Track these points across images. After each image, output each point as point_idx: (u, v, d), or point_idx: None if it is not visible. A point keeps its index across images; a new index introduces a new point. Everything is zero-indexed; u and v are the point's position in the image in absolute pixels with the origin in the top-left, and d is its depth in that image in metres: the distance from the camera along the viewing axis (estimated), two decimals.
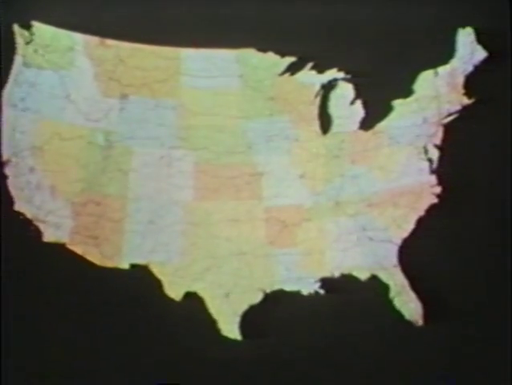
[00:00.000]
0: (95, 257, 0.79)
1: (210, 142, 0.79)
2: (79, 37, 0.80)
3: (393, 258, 0.76)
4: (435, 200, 0.76)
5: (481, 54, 0.76)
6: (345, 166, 0.77)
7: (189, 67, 0.78)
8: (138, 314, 0.79)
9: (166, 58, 0.78)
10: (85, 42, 0.80)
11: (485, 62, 0.76)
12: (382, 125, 0.77)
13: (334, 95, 0.78)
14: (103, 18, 0.80)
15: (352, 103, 0.77)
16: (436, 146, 0.76)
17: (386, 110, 0.77)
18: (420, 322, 0.76)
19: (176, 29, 0.79)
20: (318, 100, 0.78)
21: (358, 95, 0.77)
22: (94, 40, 0.80)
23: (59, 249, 0.79)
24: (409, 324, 0.76)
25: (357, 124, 0.77)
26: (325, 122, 0.78)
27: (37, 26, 0.80)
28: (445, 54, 0.76)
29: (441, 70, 0.76)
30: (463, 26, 0.76)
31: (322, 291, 0.77)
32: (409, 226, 0.76)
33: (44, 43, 0.79)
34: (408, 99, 0.76)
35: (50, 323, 0.79)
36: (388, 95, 0.76)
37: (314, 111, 0.78)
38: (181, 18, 0.79)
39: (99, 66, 0.79)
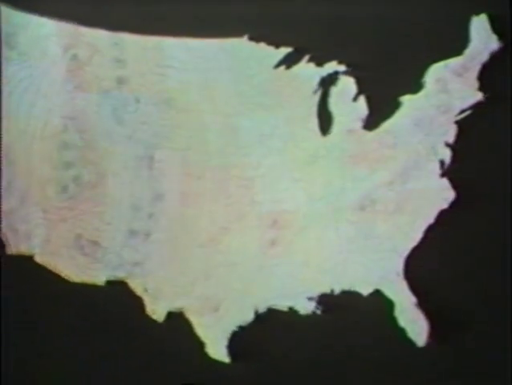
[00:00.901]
0: (68, 270, 0.77)
1: (197, 142, 0.76)
2: (51, 24, 0.76)
3: (399, 271, 0.73)
4: (446, 206, 0.72)
5: (496, 44, 0.72)
6: (346, 168, 0.74)
7: (174, 59, 0.76)
8: (115, 337, 0.78)
9: (148, 49, 0.76)
10: (58, 29, 0.76)
11: (501, 53, 0.72)
12: (387, 123, 0.74)
13: (334, 91, 0.75)
14: (78, 2, 0.77)
15: (354, 99, 0.74)
16: (448, 145, 0.73)
17: (392, 106, 0.74)
18: (427, 342, 0.72)
19: (160, 16, 0.77)
20: (316, 96, 0.75)
21: (361, 91, 0.74)
22: (68, 28, 0.76)
23: (26, 261, 0.77)
24: (415, 344, 0.73)
25: (360, 123, 0.74)
26: (324, 120, 0.75)
27: (4, 10, 0.77)
28: (457, 44, 0.73)
29: (453, 62, 0.73)
30: (477, 13, 0.72)
31: (319, 309, 0.75)
32: (417, 235, 0.73)
33: (12, 31, 0.77)
34: (416, 95, 0.73)
35: (12, 348, 0.78)
36: (393, 91, 0.74)
37: (313, 107, 0.75)
38: (164, 3, 0.76)
39: (73, 57, 0.77)
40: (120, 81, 0.76)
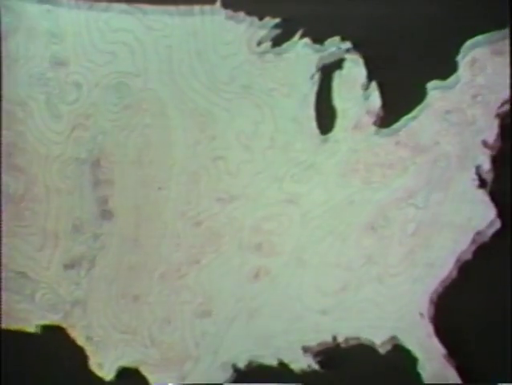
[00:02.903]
0: None
1: (157, 141, 0.71)
2: None
3: (423, 311, 0.66)
4: (484, 228, 0.65)
5: None
6: (352, 177, 0.69)
7: (126, 33, 0.71)
8: None
9: (91, 19, 0.72)
10: None
11: None
12: (407, 118, 0.68)
13: (337, 75, 0.69)
14: None
15: (364, 86, 0.69)
16: (487, 147, 0.66)
17: (412, 96, 0.68)
18: None
19: None
20: (314, 82, 0.70)
21: (372, 76, 0.69)
22: None
23: None
24: None
25: (371, 117, 0.69)
26: (324, 114, 0.70)
27: None
28: (498, 14, 0.66)
29: (493, 37, 0.66)
30: None
31: (318, 364, 0.68)
32: (446, 265, 0.66)
33: None
34: (445, 81, 0.68)
35: None
36: (415, 75, 0.68)
37: (309, 97, 0.70)
38: None
39: None
40: (56, 61, 0.72)
